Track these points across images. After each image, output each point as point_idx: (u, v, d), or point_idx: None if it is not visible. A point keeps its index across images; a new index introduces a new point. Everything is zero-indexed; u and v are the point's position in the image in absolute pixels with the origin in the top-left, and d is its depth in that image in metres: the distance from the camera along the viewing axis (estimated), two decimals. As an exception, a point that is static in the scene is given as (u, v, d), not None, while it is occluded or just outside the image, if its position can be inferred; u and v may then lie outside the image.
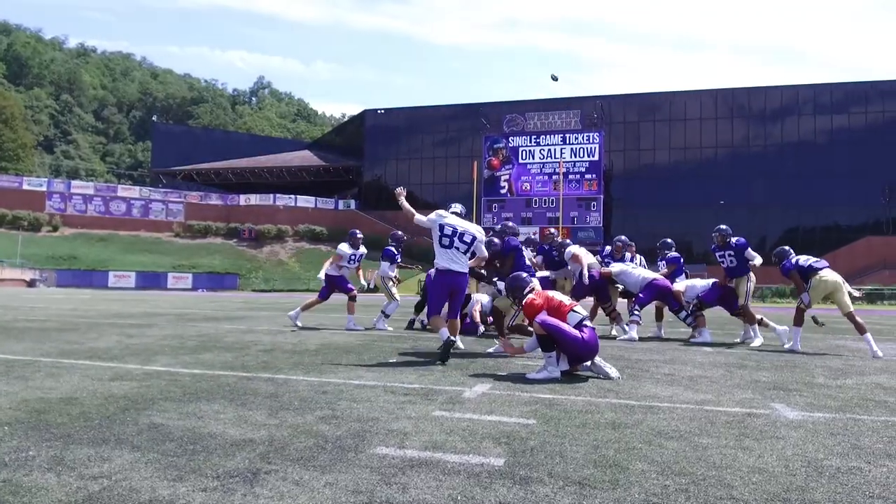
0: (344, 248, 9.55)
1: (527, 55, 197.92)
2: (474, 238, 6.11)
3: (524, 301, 5.19)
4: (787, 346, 7.66)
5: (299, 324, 9.36)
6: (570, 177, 45.73)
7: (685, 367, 5.76)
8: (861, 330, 7.33)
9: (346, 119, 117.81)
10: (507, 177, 47.49)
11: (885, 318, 17.51)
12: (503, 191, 47.29)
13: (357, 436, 2.94)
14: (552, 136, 47.07)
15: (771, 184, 48.01)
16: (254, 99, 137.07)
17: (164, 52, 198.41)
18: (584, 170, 45.80)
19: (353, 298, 9.50)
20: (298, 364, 5.31)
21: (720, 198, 47.94)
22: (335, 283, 9.51)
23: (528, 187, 46.84)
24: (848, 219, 47.22)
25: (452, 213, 6.57)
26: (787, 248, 8.24)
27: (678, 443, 2.96)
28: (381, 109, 59.32)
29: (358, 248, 9.65)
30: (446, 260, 6.01)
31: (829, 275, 7.58)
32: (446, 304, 6.16)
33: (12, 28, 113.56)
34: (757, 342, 8.05)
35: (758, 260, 8.51)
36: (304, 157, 63.74)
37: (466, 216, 6.86)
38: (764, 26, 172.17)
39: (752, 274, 8.76)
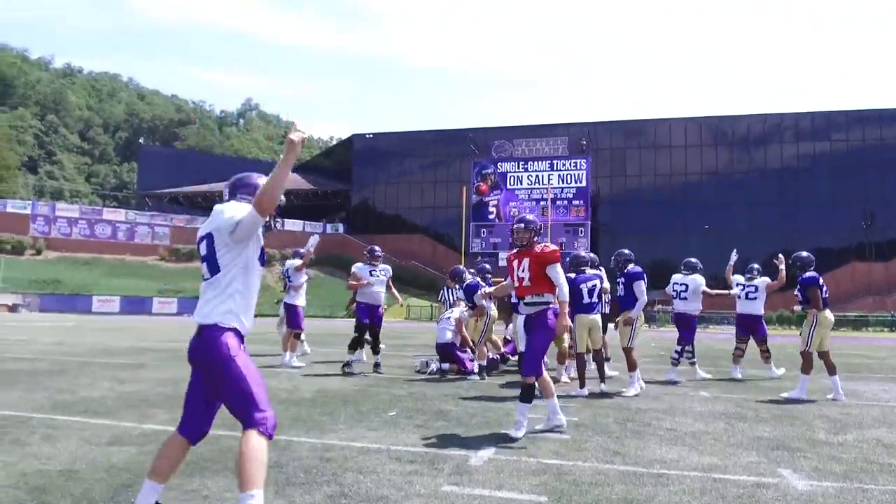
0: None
1: (513, 78, 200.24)
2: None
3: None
4: (789, 395, 7.36)
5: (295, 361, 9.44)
6: (558, 203, 46.06)
7: (686, 420, 5.75)
8: (832, 371, 7.30)
9: (333, 141, 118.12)
10: (495, 202, 47.74)
11: (871, 351, 17.66)
12: (491, 216, 47.49)
13: (370, 521, 2.89)
14: (540, 162, 47.50)
15: (754, 210, 48.64)
16: (241, 120, 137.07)
17: (151, 73, 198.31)
18: (571, 196, 46.17)
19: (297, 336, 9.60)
20: (298, 420, 5.23)
21: (704, 223, 48.47)
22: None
23: (517, 213, 46.93)
24: (831, 245, 47.83)
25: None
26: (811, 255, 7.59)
27: (694, 526, 2.94)
28: (369, 134, 59.58)
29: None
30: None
31: (829, 313, 7.44)
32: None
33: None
34: (631, 392, 7.15)
35: (642, 299, 7.60)
36: (293, 181, 63.59)
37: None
38: (749, 54, 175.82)
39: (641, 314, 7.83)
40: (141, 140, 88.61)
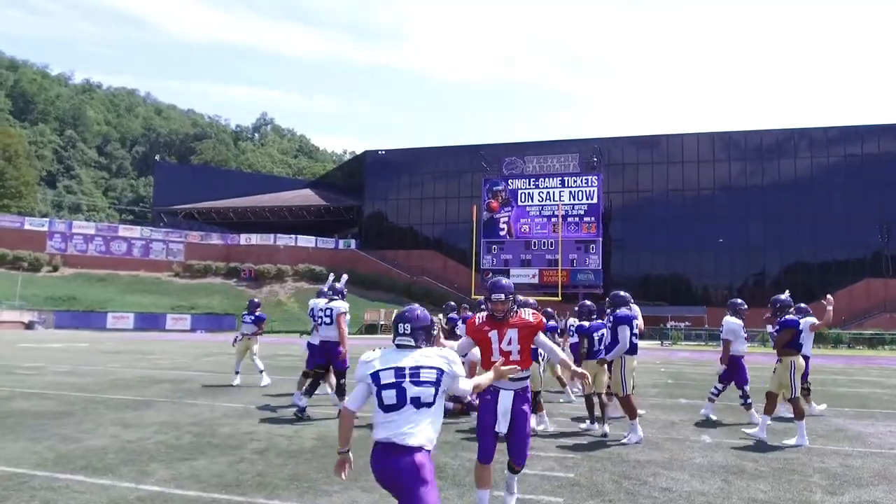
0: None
1: (525, 93, 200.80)
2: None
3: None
4: (791, 441, 7.28)
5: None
6: (569, 219, 45.99)
7: (683, 476, 5.73)
8: (799, 415, 7.33)
9: (346, 155, 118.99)
10: (506, 219, 47.78)
11: (885, 376, 17.37)
12: (502, 233, 47.51)
13: None
14: (551, 178, 47.52)
15: (768, 225, 48.27)
16: (256, 135, 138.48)
17: (167, 88, 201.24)
18: (582, 212, 46.09)
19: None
20: (293, 478, 5.28)
21: (718, 238, 48.16)
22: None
23: (528, 229, 47.09)
24: (846, 259, 47.32)
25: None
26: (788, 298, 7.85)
27: None
28: (382, 150, 60.00)
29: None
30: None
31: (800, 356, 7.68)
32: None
33: (19, 64, 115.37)
34: (633, 439, 7.16)
35: (623, 345, 7.31)
36: (305, 197, 64.20)
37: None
38: (761, 70, 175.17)
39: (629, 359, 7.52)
40: (157, 157, 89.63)
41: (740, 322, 8.72)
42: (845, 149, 49.24)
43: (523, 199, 47.70)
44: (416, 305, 3.36)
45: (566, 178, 47.05)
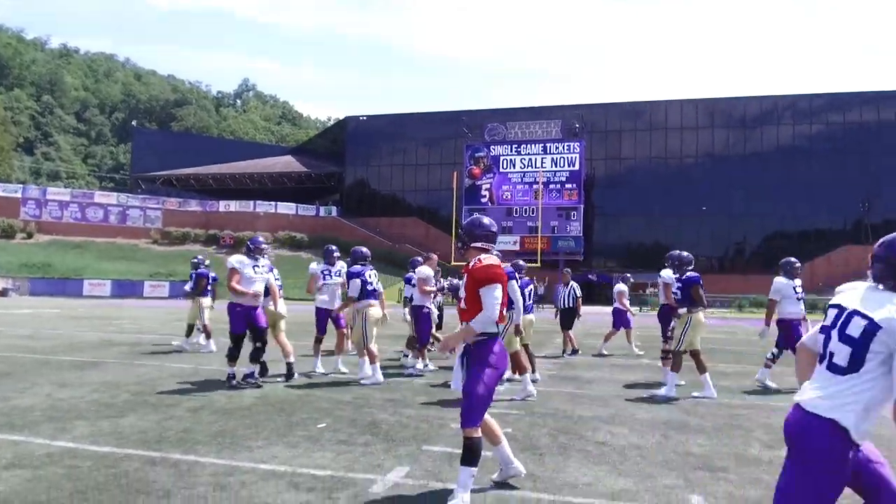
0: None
1: (510, 64, 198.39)
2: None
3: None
4: (662, 392, 7.44)
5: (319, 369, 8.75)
6: (551, 186, 45.75)
7: (622, 431, 5.63)
8: (701, 370, 7.45)
9: (331, 122, 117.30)
10: (488, 185, 47.44)
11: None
12: (484, 199, 47.20)
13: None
14: (533, 145, 47.09)
15: (751, 192, 48.27)
16: (238, 101, 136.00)
17: (147, 54, 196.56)
18: (564, 179, 45.83)
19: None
20: (218, 434, 5.11)
21: (701, 206, 48.19)
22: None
23: (509, 196, 46.82)
24: (827, 227, 47.56)
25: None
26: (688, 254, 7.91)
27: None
28: (363, 116, 59.10)
29: (333, 264, 8.84)
30: None
31: (703, 314, 7.62)
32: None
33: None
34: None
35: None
36: (286, 163, 63.34)
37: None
38: (744, 36, 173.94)
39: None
40: (133, 122, 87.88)
41: (788, 281, 8.13)
42: (828, 117, 49.15)
43: (505, 166, 47.32)
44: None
45: (548, 145, 46.66)
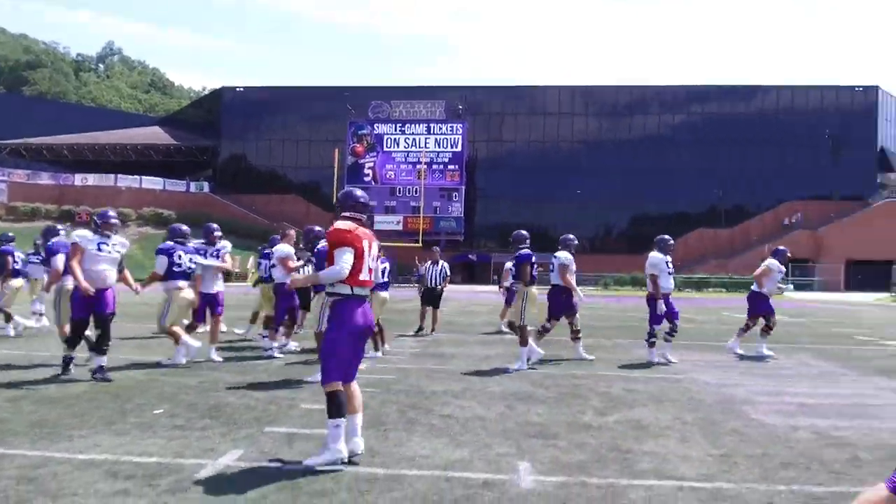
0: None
1: (395, 40, 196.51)
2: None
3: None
4: (514, 366, 7.77)
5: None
6: (434, 167, 46.13)
7: (470, 404, 5.80)
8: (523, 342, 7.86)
9: (205, 92, 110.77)
10: (371, 164, 47.00)
11: (698, 314, 19.17)
12: (367, 178, 46.74)
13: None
14: (417, 125, 47.16)
15: (624, 177, 51.26)
16: (101, 66, 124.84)
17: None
18: (447, 160, 46.36)
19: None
20: (36, 425, 4.70)
21: (577, 189, 50.59)
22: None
23: (393, 176, 46.70)
24: (688, 210, 51.57)
25: None
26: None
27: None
28: (240, 87, 56.35)
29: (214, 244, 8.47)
30: None
31: (535, 289, 7.99)
32: None
33: None
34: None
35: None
36: (153, 134, 59.14)
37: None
38: (622, 25, 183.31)
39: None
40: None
41: (663, 257, 8.57)
42: (690, 108, 53.20)
43: (389, 145, 47.08)
44: None
45: (432, 125, 46.93)
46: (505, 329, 12.30)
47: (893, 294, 35.13)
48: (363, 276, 4.08)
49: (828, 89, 52.98)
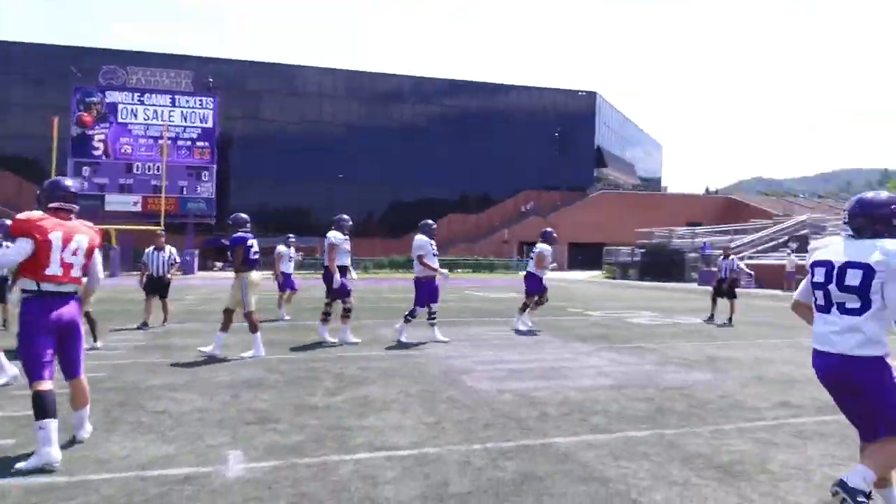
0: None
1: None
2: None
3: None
4: (248, 354, 7.48)
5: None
6: (180, 143, 42.32)
7: (191, 396, 5.42)
8: (253, 329, 7.48)
9: None
10: (102, 136, 41.37)
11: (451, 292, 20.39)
12: (98, 152, 41.11)
13: None
14: (159, 95, 42.70)
15: (383, 163, 52.50)
16: None
17: None
18: (195, 136, 42.82)
19: None
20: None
21: (338, 173, 50.53)
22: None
23: (130, 151, 41.73)
24: (443, 197, 54.73)
25: None
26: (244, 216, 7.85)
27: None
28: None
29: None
30: None
31: (256, 274, 7.66)
32: None
33: None
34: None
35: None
36: None
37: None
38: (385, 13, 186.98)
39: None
40: None
41: (428, 240, 8.84)
42: (445, 100, 56.40)
43: (125, 116, 41.95)
44: None
45: (177, 97, 42.92)
46: (287, 317, 11.86)
47: (604, 272, 41.33)
48: (51, 270, 3.82)
49: (558, 92, 60.30)
